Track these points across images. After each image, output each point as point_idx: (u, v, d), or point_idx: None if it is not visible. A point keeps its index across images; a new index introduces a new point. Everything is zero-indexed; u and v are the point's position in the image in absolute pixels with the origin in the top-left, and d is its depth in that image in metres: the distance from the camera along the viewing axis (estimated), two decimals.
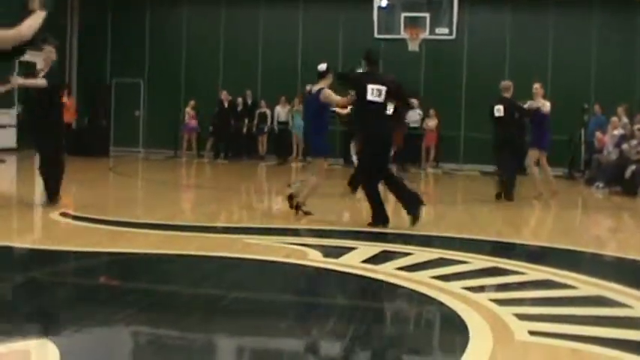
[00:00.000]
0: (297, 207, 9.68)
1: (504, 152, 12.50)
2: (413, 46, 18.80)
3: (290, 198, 9.87)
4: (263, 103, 22.06)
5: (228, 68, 22.97)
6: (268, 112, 22.05)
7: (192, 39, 23.41)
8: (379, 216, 9.00)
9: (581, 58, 21.29)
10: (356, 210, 10.94)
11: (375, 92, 8.90)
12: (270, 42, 22.73)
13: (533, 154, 13.08)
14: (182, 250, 6.98)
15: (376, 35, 18.98)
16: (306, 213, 9.65)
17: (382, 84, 8.97)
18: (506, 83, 12.78)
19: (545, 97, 13.06)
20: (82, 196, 11.44)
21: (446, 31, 18.73)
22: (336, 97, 9.70)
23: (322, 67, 9.81)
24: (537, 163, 13.19)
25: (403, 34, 18.68)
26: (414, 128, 20.60)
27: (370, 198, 9.04)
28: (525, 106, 12.82)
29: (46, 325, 4.23)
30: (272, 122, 22.13)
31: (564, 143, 19.34)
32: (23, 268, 6.20)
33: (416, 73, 20.88)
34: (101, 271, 6.20)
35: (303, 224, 9.10)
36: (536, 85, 13.01)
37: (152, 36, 23.65)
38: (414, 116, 20.29)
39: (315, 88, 9.79)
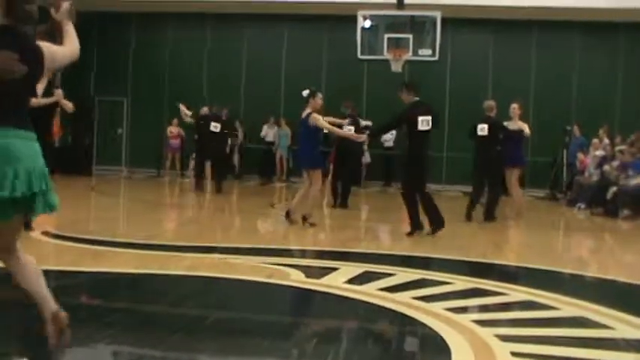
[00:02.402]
0: (303, 219, 10.66)
1: (488, 172, 12.55)
2: (396, 67, 18.87)
3: (287, 215, 10.82)
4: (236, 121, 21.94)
5: (212, 87, 22.99)
6: (240, 130, 22.04)
7: (176, 58, 23.45)
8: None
9: (563, 80, 21.53)
10: (338, 230, 10.94)
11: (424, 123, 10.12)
12: (255, 61, 22.82)
13: (515, 173, 13.12)
14: (164, 270, 6.94)
15: (359, 56, 19.06)
16: (312, 224, 10.62)
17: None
18: (490, 103, 12.79)
19: (522, 118, 13.13)
20: (63, 214, 11.34)
21: (429, 52, 18.83)
22: (323, 122, 10.77)
23: (305, 92, 10.82)
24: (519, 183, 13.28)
25: (386, 55, 18.75)
26: (389, 149, 20.71)
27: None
28: (505, 124, 12.88)
29: (25, 345, 4.19)
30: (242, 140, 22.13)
31: (547, 165, 19.46)
32: (2, 287, 6.13)
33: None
34: (82, 291, 6.15)
35: (285, 244, 9.09)
36: (514, 106, 13.07)
37: (136, 54, 23.67)
38: (386, 136, 20.49)
39: (304, 112, 10.74)
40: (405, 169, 10.70)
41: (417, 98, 10.43)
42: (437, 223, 10.29)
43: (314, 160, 10.95)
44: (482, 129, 12.47)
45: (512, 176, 13.13)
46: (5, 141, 3.72)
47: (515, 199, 13.31)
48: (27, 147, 3.81)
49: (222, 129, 16.92)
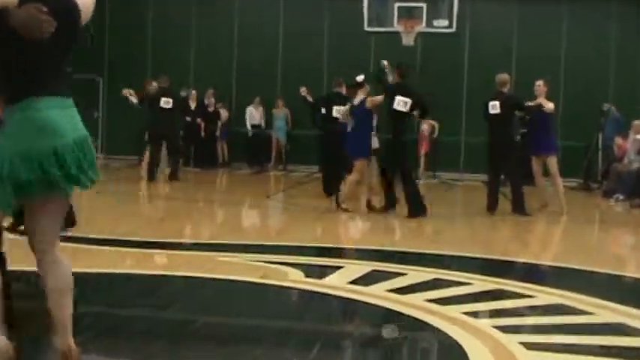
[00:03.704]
0: (367, 203, 12.15)
1: (504, 156, 12.38)
2: (407, 40, 18.79)
3: (338, 205, 11.89)
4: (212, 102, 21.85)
5: (200, 65, 22.92)
6: (223, 112, 21.98)
7: (159, 32, 23.32)
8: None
9: (597, 54, 21.37)
10: (341, 224, 10.94)
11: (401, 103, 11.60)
12: (247, 35, 22.67)
13: (550, 161, 12.98)
14: (145, 269, 6.94)
15: (366, 28, 18.99)
16: (345, 210, 11.72)
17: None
18: (502, 77, 12.63)
19: (549, 97, 13.05)
20: None
21: (445, 23, 18.76)
22: (379, 97, 12.20)
23: (361, 77, 12.34)
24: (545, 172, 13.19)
25: (397, 27, 18.68)
26: None
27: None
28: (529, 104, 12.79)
29: None
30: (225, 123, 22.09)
31: (579, 150, 19.36)
32: None
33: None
34: None
35: (282, 240, 9.08)
36: (539, 83, 12.94)
37: (113, 27, 23.57)
38: None
39: (357, 100, 12.22)
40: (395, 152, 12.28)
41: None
42: (418, 209, 11.50)
43: (362, 149, 12.20)
44: (494, 106, 12.32)
45: (551, 166, 12.90)
46: (40, 114, 3.61)
47: (559, 189, 13.05)
48: (64, 117, 3.72)
49: (174, 105, 16.69)
